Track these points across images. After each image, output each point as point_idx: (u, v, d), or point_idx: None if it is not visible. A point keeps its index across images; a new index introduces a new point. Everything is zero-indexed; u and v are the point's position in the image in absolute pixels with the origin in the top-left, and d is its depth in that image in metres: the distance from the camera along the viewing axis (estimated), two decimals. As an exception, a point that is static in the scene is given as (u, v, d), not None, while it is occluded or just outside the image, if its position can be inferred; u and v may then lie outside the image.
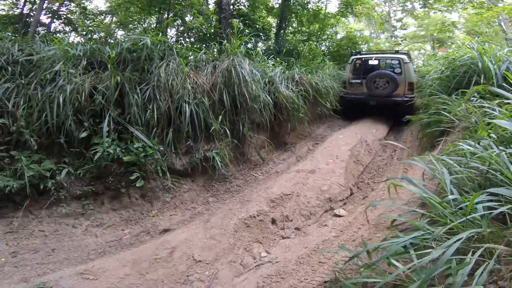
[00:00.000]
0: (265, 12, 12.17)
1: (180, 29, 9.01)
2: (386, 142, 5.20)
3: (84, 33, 7.78)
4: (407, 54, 6.97)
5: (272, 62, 6.33)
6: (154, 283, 2.59)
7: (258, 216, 3.21)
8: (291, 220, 3.28)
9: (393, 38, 19.65)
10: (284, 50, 7.41)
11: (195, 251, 2.86)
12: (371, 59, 6.72)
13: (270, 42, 10.84)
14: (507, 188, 1.46)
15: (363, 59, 6.90)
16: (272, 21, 12.84)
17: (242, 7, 11.35)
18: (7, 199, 3.47)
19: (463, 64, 4.21)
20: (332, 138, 5.75)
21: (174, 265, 2.78)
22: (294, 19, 12.12)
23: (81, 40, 6.68)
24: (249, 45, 8.61)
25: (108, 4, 10.82)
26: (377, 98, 6.27)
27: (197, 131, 4.06)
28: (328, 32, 12.68)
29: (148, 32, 4.64)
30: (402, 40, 18.50)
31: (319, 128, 6.45)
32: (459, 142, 2.22)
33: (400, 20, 20.48)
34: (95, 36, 6.70)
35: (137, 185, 3.69)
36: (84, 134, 3.50)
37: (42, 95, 3.50)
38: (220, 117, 4.30)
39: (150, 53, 4.26)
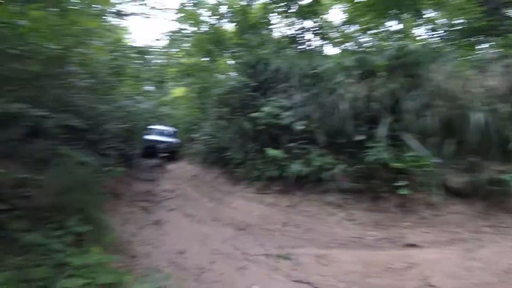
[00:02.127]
0: None
1: (430, 27, 8.14)
2: None
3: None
4: None
5: None
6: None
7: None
8: None
9: None
10: None
11: (435, 276, 2.51)
12: None
13: None
14: None
15: None
16: None
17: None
18: (295, 181, 4.60)
19: None
20: None
21: (402, 280, 2.59)
22: None
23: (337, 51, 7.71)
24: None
25: (346, 15, 11.77)
26: None
27: (486, 146, 3.43)
28: None
29: (403, 36, 4.50)
30: None
31: None
32: None
33: None
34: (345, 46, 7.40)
35: (399, 192, 3.69)
36: (360, 138, 3.96)
37: (329, 102, 4.32)
38: (526, 130, 3.38)
39: (415, 58, 4.16)
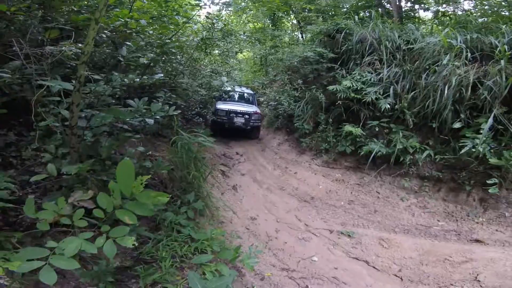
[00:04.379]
0: None
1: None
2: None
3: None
4: None
5: None
6: (425, 276, 2.70)
7: None
8: None
9: None
10: None
11: (485, 273, 2.64)
12: None
13: None
14: None
15: None
16: None
17: None
18: (369, 160, 4.52)
19: None
20: None
21: (453, 272, 2.71)
22: None
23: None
24: None
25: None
26: None
27: None
28: None
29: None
30: None
31: None
32: None
33: None
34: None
35: (489, 191, 3.45)
36: (457, 125, 3.72)
37: (426, 83, 4.06)
38: None
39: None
